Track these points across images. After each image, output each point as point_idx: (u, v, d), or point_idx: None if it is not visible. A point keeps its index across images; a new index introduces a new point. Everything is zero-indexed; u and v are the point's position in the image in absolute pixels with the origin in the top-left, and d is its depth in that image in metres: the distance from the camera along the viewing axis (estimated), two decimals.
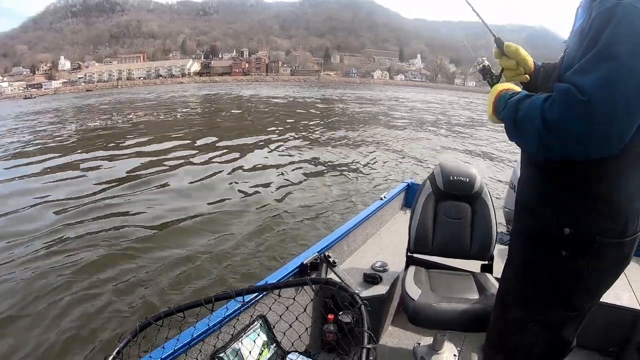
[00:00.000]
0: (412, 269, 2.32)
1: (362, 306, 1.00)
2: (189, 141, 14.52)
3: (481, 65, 1.45)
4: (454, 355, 2.35)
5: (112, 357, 1.30)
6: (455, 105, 41.09)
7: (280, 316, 1.50)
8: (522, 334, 1.35)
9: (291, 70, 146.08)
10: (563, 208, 1.18)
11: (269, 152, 12.61)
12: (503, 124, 1.18)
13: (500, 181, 9.05)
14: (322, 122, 20.69)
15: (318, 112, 27.23)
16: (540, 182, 1.27)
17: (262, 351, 1.84)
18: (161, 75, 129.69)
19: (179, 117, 23.94)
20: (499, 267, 1.55)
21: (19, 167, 11.59)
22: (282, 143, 14.08)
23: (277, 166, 10.56)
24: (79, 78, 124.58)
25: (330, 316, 2.23)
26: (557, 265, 1.22)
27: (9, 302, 4.40)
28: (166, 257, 5.31)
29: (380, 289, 2.40)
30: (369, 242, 3.13)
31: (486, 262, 2.40)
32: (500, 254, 2.14)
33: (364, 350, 0.84)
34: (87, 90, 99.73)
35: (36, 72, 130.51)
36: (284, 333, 1.56)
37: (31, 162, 12.17)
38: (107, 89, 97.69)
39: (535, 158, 1.26)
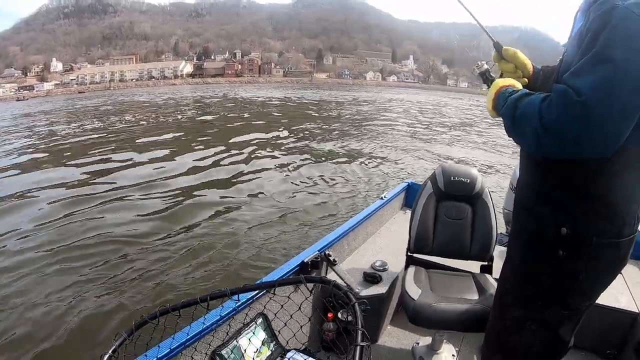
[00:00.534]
0: (412, 268, 2.33)
1: (356, 304, 1.00)
2: (179, 144, 14.43)
3: (482, 69, 1.47)
4: (453, 355, 2.36)
5: (107, 355, 1.29)
6: (450, 107, 41.26)
7: (276, 314, 1.50)
8: (520, 334, 1.36)
9: (284, 72, 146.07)
10: (561, 208, 1.19)
11: (268, 152, 12.60)
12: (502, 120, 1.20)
13: (499, 186, 9.09)
14: (318, 123, 20.75)
15: (314, 113, 27.30)
16: (539, 181, 1.28)
17: (262, 348, 1.85)
18: (154, 77, 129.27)
19: (170, 120, 23.79)
20: (498, 268, 1.55)
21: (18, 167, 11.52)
22: (281, 143, 14.10)
23: (277, 166, 10.58)
24: (71, 80, 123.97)
25: (330, 314, 2.23)
26: (555, 264, 1.23)
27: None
28: (166, 257, 5.31)
29: (380, 288, 2.40)
30: (369, 241, 3.13)
31: (486, 263, 2.41)
32: (500, 255, 2.15)
33: (358, 348, 0.85)
34: (79, 92, 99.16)
35: (28, 74, 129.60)
36: (282, 331, 1.56)
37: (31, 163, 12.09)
38: (99, 91, 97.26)
39: (534, 156, 1.27)
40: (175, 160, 11.55)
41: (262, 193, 8.14)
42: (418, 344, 2.47)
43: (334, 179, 9.22)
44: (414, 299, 2.03)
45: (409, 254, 2.46)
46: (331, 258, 2.38)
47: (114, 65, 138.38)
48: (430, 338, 2.39)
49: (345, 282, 2.30)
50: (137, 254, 5.41)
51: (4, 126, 25.02)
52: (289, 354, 1.74)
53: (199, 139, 15.02)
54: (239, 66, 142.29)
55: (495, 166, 11.52)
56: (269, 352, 1.86)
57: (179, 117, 25.25)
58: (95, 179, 9.64)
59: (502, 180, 9.19)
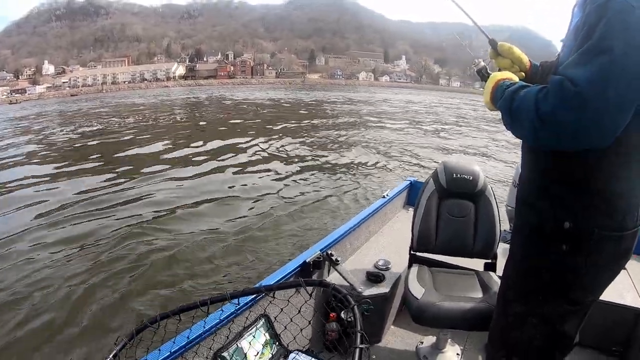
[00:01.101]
0: (415, 267, 2.31)
1: (355, 307, 1.01)
2: (173, 146, 14.44)
3: (479, 67, 1.47)
4: (457, 354, 2.34)
5: None
6: (442, 107, 41.45)
7: (276, 318, 1.48)
8: (522, 329, 1.36)
9: (276, 73, 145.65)
10: (561, 202, 1.20)
11: (268, 152, 12.67)
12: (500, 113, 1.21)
13: (501, 180, 9.12)
14: (315, 124, 20.87)
15: (309, 113, 27.41)
16: (539, 176, 1.28)
17: (264, 350, 1.85)
18: (146, 79, 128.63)
19: (162, 122, 23.74)
20: (502, 265, 1.55)
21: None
22: (280, 144, 14.17)
23: (277, 166, 10.67)
24: (64, 82, 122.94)
25: (332, 315, 2.22)
26: (557, 259, 1.23)
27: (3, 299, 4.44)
28: (166, 256, 5.31)
29: (383, 288, 2.39)
30: (371, 240, 3.12)
31: (490, 261, 2.40)
32: (503, 253, 2.14)
33: (357, 350, 0.87)
34: (71, 95, 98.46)
35: (20, 77, 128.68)
36: (284, 332, 1.55)
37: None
38: (92, 93, 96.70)
39: (533, 148, 1.28)
40: (178, 162, 11.58)
41: (262, 193, 8.17)
42: (422, 343, 2.46)
43: (334, 179, 9.25)
44: (417, 298, 2.01)
45: (412, 252, 2.44)
46: (333, 258, 2.36)
47: (106, 67, 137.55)
48: (434, 337, 2.38)
49: (348, 282, 2.29)
50: (138, 254, 5.39)
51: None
52: (291, 355, 1.73)
53: (191, 144, 14.89)
54: (232, 68, 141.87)
55: (499, 163, 11.58)
56: (271, 353, 1.86)
57: (162, 121, 25.06)
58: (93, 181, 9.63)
59: (506, 177, 9.26)
